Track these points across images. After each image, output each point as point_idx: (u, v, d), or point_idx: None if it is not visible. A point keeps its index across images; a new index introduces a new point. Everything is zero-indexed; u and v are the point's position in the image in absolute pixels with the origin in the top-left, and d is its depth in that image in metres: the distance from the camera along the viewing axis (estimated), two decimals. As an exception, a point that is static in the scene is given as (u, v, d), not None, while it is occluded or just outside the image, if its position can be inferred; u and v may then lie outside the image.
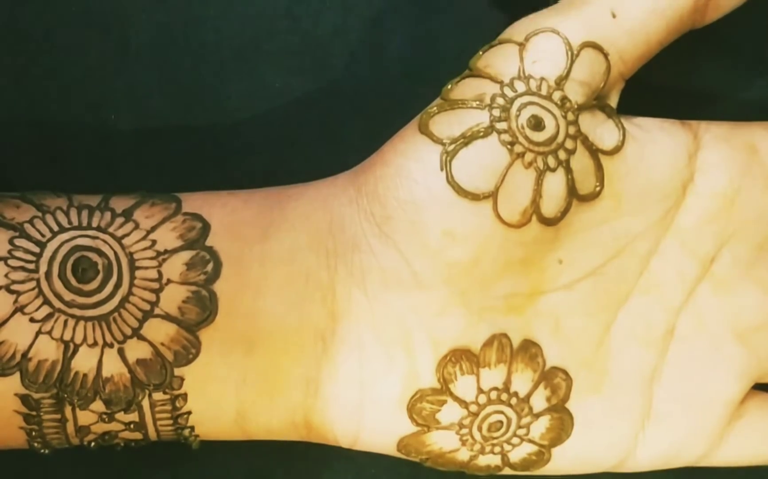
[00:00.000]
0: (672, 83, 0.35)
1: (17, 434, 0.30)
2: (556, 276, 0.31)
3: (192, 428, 0.31)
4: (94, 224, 0.30)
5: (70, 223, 0.30)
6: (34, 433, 0.30)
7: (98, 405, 0.30)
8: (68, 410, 0.30)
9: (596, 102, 0.31)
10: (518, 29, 0.31)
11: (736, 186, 0.32)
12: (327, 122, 0.36)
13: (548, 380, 0.31)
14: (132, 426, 0.30)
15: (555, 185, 0.30)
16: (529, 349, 0.31)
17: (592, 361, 0.32)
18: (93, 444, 0.31)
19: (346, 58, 0.36)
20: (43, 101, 0.35)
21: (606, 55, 0.31)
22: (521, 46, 0.30)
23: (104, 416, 0.30)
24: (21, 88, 0.35)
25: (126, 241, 0.30)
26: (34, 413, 0.29)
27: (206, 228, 0.30)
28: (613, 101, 0.32)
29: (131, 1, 0.35)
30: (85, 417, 0.30)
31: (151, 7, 0.35)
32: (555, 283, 0.31)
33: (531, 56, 0.30)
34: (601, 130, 0.31)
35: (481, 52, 0.31)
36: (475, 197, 0.29)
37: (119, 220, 0.30)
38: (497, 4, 0.35)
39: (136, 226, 0.30)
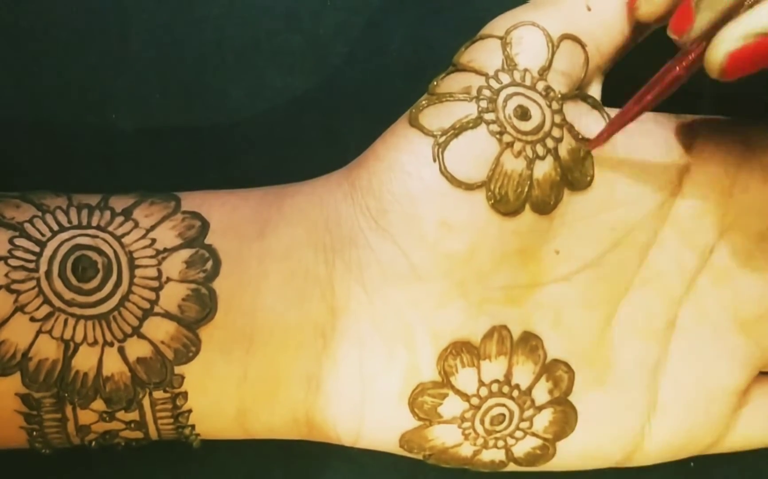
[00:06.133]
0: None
1: (18, 434, 0.30)
2: (554, 268, 0.31)
3: (193, 426, 0.31)
4: (94, 223, 0.30)
5: (69, 222, 0.30)
6: (35, 433, 0.30)
7: (99, 404, 0.29)
8: (69, 409, 0.30)
9: (578, 92, 0.31)
10: (498, 24, 0.31)
11: (732, 176, 0.32)
12: (327, 122, 0.36)
13: (550, 372, 0.31)
14: (133, 425, 0.30)
15: (545, 173, 0.30)
16: (530, 341, 0.31)
17: (594, 354, 0.32)
18: (94, 443, 0.31)
19: (347, 58, 0.36)
20: (43, 101, 0.35)
21: (584, 47, 0.31)
22: (503, 39, 0.31)
23: (105, 415, 0.30)
24: (21, 88, 0.35)
25: (125, 240, 0.30)
26: (34, 412, 0.29)
27: (205, 226, 0.30)
28: (596, 93, 0.32)
29: (131, 1, 0.36)
30: (85, 417, 0.30)
31: (151, 7, 0.36)
32: (553, 275, 0.31)
33: (513, 49, 0.31)
34: (587, 120, 0.31)
35: (463, 48, 0.32)
36: (468, 187, 0.30)
37: (119, 219, 0.30)
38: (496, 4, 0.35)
39: (136, 225, 0.30)
